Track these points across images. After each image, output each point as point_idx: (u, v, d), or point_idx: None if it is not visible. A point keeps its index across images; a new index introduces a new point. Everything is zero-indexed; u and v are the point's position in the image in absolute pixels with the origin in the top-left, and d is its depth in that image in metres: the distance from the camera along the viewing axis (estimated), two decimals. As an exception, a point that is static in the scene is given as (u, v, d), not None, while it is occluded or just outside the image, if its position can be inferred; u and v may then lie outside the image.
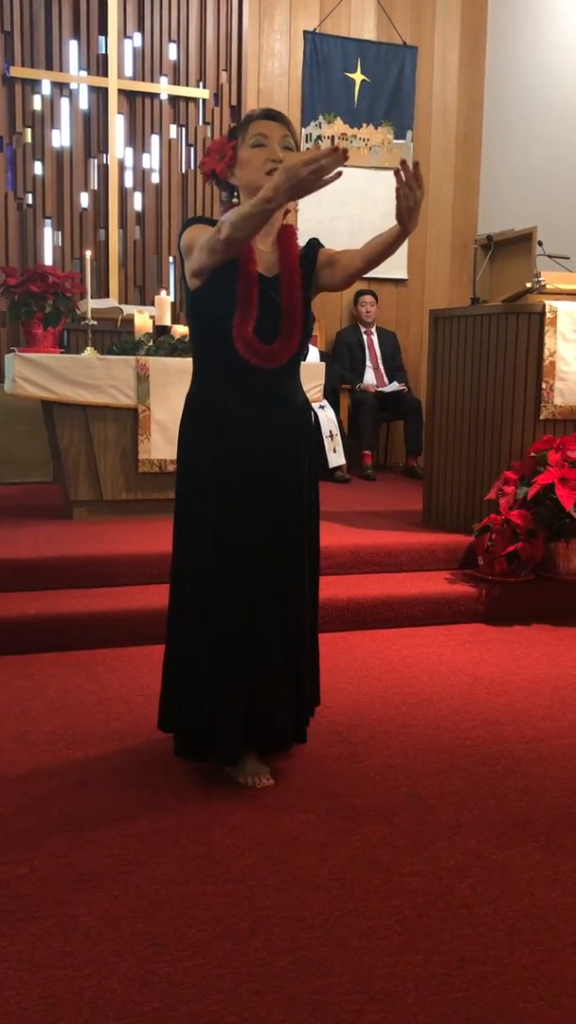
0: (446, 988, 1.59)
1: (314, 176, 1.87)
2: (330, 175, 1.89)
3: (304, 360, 2.36)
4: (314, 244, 2.36)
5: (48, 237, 6.49)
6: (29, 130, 6.35)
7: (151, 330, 4.94)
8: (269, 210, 1.95)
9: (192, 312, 2.27)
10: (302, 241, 2.37)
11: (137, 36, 6.53)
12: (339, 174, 1.88)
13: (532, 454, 4.09)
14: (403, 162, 2.06)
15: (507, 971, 1.64)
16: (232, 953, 1.68)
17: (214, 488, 2.24)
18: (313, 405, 6.06)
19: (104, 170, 6.54)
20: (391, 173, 7.64)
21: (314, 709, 2.54)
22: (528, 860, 2.02)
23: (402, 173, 2.04)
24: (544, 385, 4.21)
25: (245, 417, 2.23)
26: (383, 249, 2.21)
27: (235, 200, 2.30)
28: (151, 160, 6.68)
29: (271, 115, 2.24)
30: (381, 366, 7.02)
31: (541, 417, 4.24)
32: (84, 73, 6.43)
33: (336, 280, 2.31)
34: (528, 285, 4.37)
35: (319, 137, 7.07)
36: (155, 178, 6.69)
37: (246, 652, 2.27)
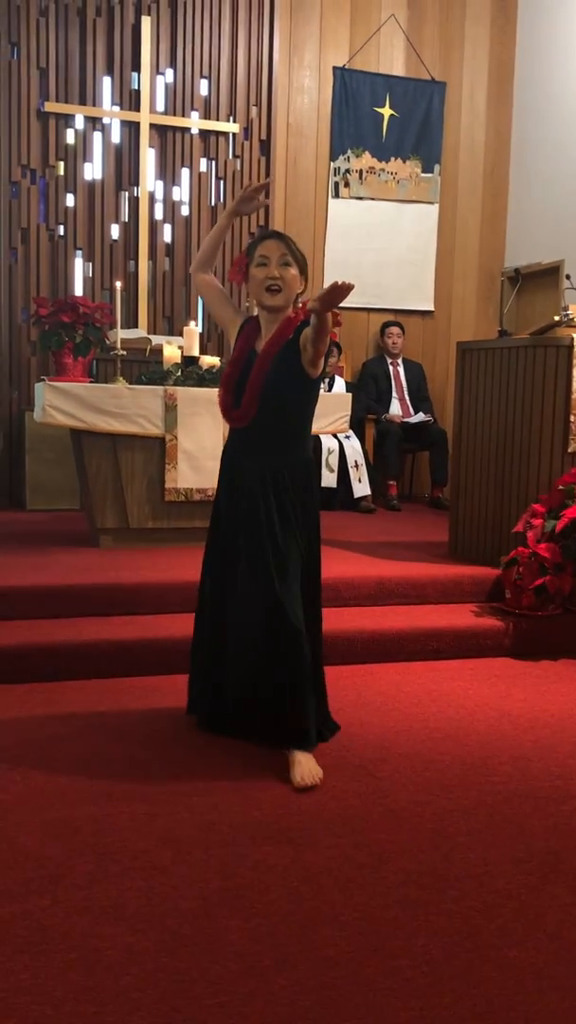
0: (474, 1032, 1.56)
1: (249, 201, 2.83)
2: (262, 198, 2.83)
3: (294, 415, 2.76)
4: (302, 326, 2.71)
5: (79, 268, 6.58)
6: (62, 163, 6.46)
7: (179, 360, 4.98)
8: (219, 228, 2.87)
9: None
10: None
11: (169, 72, 6.65)
12: (267, 193, 2.84)
13: (560, 487, 4.06)
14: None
15: (537, 1016, 1.61)
16: (256, 991, 1.66)
17: (214, 514, 2.89)
18: (339, 435, 6.16)
19: (135, 202, 6.63)
20: (418, 207, 7.74)
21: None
22: (558, 901, 1.99)
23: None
24: (572, 418, 4.19)
25: (232, 461, 2.81)
26: (315, 337, 2.60)
27: (246, 304, 2.83)
28: (181, 193, 6.77)
29: (274, 235, 2.76)
30: (407, 397, 7.04)
31: (569, 450, 4.21)
32: (117, 108, 6.55)
33: (311, 353, 2.66)
34: (556, 318, 4.37)
35: (347, 171, 7.15)
36: (185, 210, 6.78)
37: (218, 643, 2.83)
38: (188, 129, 6.72)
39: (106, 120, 6.53)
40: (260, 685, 2.69)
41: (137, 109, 6.56)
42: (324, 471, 6.26)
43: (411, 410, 6.98)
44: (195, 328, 5.17)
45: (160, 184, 6.72)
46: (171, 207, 6.75)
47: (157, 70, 6.62)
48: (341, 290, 2.42)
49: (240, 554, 2.74)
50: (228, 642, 2.77)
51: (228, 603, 2.78)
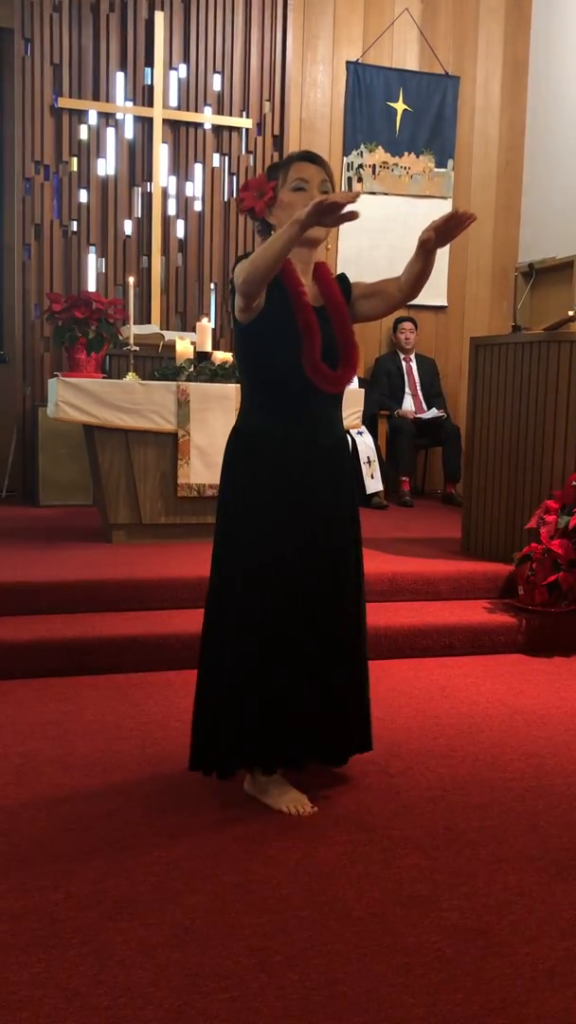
0: (486, 1029, 1.56)
1: (330, 214, 1.99)
2: (345, 212, 2.00)
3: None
4: (344, 279, 2.44)
5: (92, 264, 6.59)
6: (75, 159, 6.46)
7: (192, 356, 4.98)
8: (289, 244, 2.04)
9: (246, 346, 2.31)
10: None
11: (182, 67, 6.64)
12: (355, 214, 2.01)
13: (574, 483, 4.05)
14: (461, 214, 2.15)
15: (550, 1014, 1.61)
16: (268, 986, 1.66)
17: (268, 510, 2.29)
18: (351, 431, 6.14)
19: (148, 198, 6.63)
20: (431, 201, 7.67)
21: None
22: (571, 898, 1.98)
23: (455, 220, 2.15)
24: (586, 414, 4.17)
25: (300, 442, 2.30)
26: (416, 281, 2.31)
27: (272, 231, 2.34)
28: (194, 188, 6.76)
29: (311, 158, 2.31)
30: (420, 393, 7.02)
31: (583, 446, 4.20)
32: (130, 103, 6.55)
33: (379, 311, 2.42)
34: (570, 313, 4.35)
35: (361, 166, 7.12)
36: (198, 206, 6.78)
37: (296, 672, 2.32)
38: (201, 124, 6.71)
39: (119, 116, 6.53)
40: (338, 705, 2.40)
41: (150, 104, 6.55)
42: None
43: (424, 406, 6.96)
44: (208, 324, 5.17)
45: (173, 180, 6.71)
46: (184, 203, 6.75)
47: (170, 65, 6.61)
48: (463, 218, 2.13)
49: (318, 558, 2.32)
50: (304, 667, 2.33)
51: (305, 620, 2.32)
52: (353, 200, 1.97)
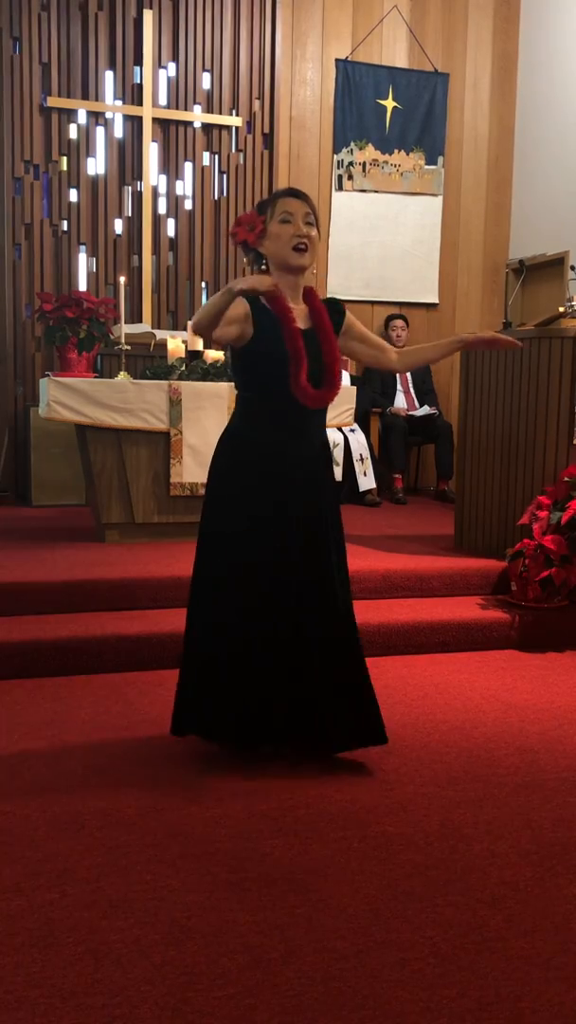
0: None
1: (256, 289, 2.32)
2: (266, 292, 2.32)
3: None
4: (339, 307, 2.67)
5: (83, 263, 6.58)
6: (65, 158, 6.45)
7: (183, 355, 4.97)
8: (225, 304, 2.33)
9: (239, 363, 2.58)
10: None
11: (171, 66, 6.63)
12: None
13: (565, 479, 4.06)
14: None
15: (544, 1007, 1.61)
16: (263, 983, 1.66)
17: (248, 506, 2.53)
18: (344, 429, 6.15)
19: (138, 197, 6.62)
20: (421, 198, 7.69)
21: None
22: (564, 892, 1.99)
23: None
24: (577, 409, 4.18)
25: (282, 449, 2.55)
26: (419, 364, 2.77)
27: (263, 267, 2.59)
28: (184, 187, 6.76)
29: (296, 194, 2.56)
30: (412, 390, 7.02)
31: (574, 441, 4.20)
32: (119, 102, 6.54)
33: (365, 362, 2.76)
34: (561, 309, 4.36)
35: (351, 163, 7.12)
36: (188, 205, 6.77)
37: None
38: (191, 123, 6.70)
39: (109, 114, 6.52)
40: (335, 692, 2.59)
41: (140, 103, 6.54)
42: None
43: (416, 403, 6.96)
44: (199, 322, 5.15)
45: (163, 178, 6.70)
46: (174, 201, 6.74)
47: (159, 64, 6.60)
48: (508, 344, 2.64)
49: (299, 556, 2.55)
50: (288, 656, 2.55)
51: (286, 613, 2.54)
52: (271, 287, 2.30)
